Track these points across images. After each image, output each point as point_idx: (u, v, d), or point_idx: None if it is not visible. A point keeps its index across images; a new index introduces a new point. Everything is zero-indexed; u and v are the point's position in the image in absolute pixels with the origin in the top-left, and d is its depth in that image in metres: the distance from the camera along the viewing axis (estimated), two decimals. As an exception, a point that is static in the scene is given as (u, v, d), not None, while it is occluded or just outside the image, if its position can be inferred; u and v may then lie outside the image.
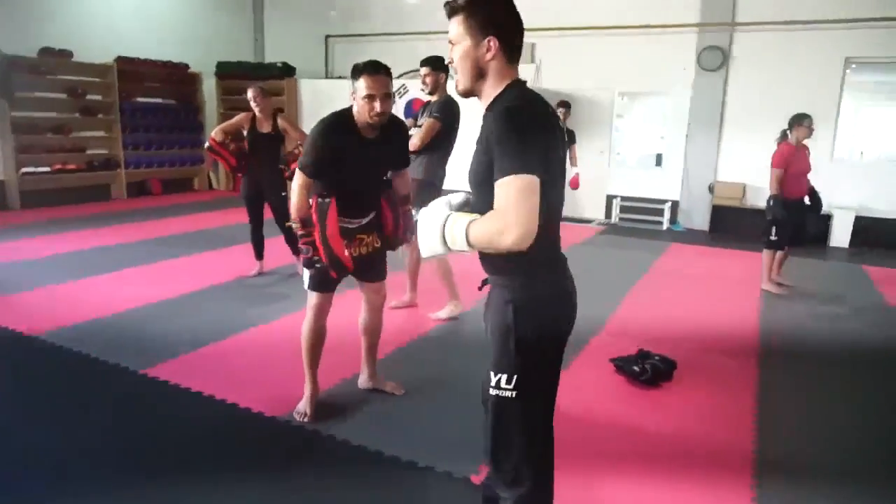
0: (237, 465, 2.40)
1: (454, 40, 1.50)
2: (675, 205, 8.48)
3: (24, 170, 7.75)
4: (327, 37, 10.45)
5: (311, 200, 2.53)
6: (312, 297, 2.68)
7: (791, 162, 4.87)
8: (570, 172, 6.89)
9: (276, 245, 5.04)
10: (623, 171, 9.09)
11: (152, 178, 9.40)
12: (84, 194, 8.32)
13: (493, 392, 1.52)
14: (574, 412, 2.83)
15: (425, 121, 3.86)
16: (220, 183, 10.38)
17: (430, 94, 3.93)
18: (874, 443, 2.79)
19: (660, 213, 8.46)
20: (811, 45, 7.43)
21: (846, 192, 7.50)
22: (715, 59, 7.85)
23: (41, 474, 2.29)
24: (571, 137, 6.99)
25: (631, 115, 9.97)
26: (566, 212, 8.62)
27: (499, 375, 1.51)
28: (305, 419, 2.69)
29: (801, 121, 4.91)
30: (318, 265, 2.56)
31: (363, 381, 3.03)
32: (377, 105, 2.40)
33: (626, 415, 2.89)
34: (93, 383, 3.06)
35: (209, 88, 9.98)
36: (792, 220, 4.99)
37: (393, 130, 2.62)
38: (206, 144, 4.50)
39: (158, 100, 9.42)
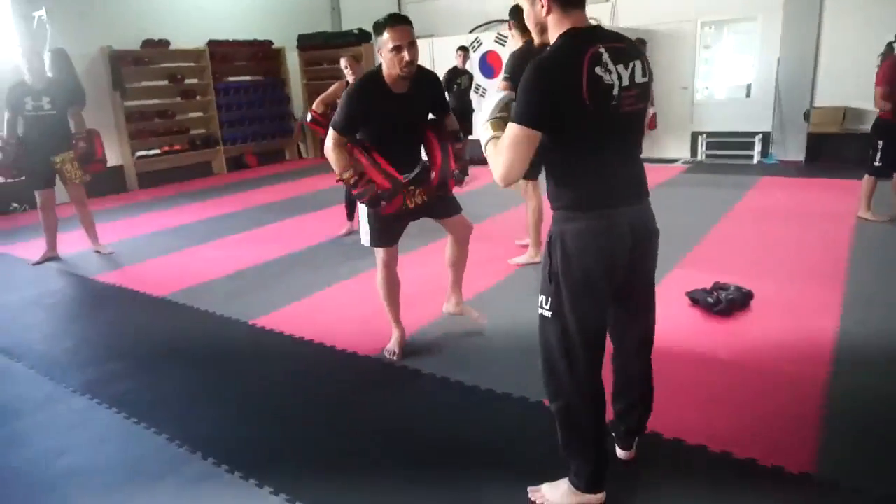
0: (331, 395, 2.74)
1: (521, 5, 1.71)
2: (766, 136, 8.05)
3: (138, 153, 8.56)
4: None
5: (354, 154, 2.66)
6: (378, 253, 2.89)
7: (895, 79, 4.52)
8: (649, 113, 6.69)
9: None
10: (709, 106, 8.70)
11: (247, 153, 10.07)
12: (189, 172, 9.09)
13: (539, 311, 1.72)
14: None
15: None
16: (310, 151, 10.93)
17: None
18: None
19: (750, 146, 8.07)
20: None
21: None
22: (808, -24, 7.27)
23: (176, 402, 2.73)
24: None
25: (718, 45, 9.43)
26: (650, 153, 8.39)
27: (541, 297, 1.73)
28: (394, 357, 2.96)
29: None
30: (380, 196, 2.62)
31: (450, 307, 3.22)
32: (405, 54, 2.44)
33: (699, 345, 2.96)
34: (211, 333, 3.51)
35: (292, 62, 10.43)
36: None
37: (424, 83, 2.68)
38: (309, 117, 4.72)
39: (247, 77, 9.99)
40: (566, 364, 1.72)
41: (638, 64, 1.65)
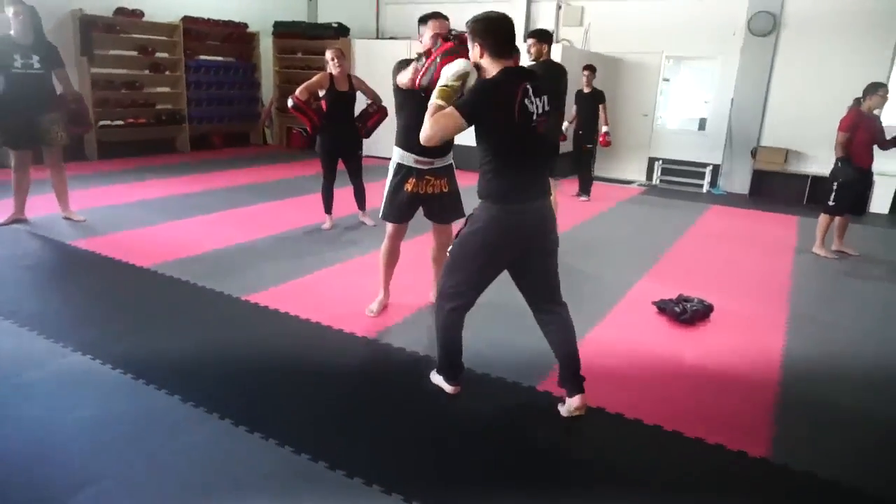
0: (316, 368, 2.89)
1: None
2: (716, 168, 8.67)
3: (101, 122, 8.33)
4: (378, -2, 10.71)
5: None
6: (388, 227, 3.31)
7: (858, 128, 5.02)
8: (601, 131, 7.06)
9: (343, 197, 5.50)
10: (667, 135, 9.27)
11: (213, 133, 9.94)
12: (152, 146, 8.91)
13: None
14: (620, 347, 3.24)
15: None
16: (274, 138, 10.88)
17: (535, 61, 4.53)
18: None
19: (701, 175, 8.66)
20: (864, 10, 7.44)
21: (889, 157, 7.57)
22: (766, 24, 7.91)
23: (168, 372, 2.81)
24: (598, 98, 7.04)
25: (677, 78, 10.06)
26: (609, 172, 8.82)
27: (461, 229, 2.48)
28: (372, 314, 3.44)
29: (875, 90, 5.03)
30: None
31: (433, 296, 3.46)
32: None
33: (666, 348, 3.29)
34: (201, 305, 3.58)
35: (266, 47, 10.38)
36: (854, 187, 5.16)
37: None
38: (290, 103, 4.84)
39: (219, 58, 9.88)
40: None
41: (546, 98, 2.29)
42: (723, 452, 2.35)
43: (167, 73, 9.11)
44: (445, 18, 2.99)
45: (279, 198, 6.47)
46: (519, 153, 2.30)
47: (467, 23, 2.33)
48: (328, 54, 4.95)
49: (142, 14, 8.52)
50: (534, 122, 2.24)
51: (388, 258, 3.44)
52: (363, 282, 3.90)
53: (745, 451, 2.35)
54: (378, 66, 9.83)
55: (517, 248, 2.40)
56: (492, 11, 2.31)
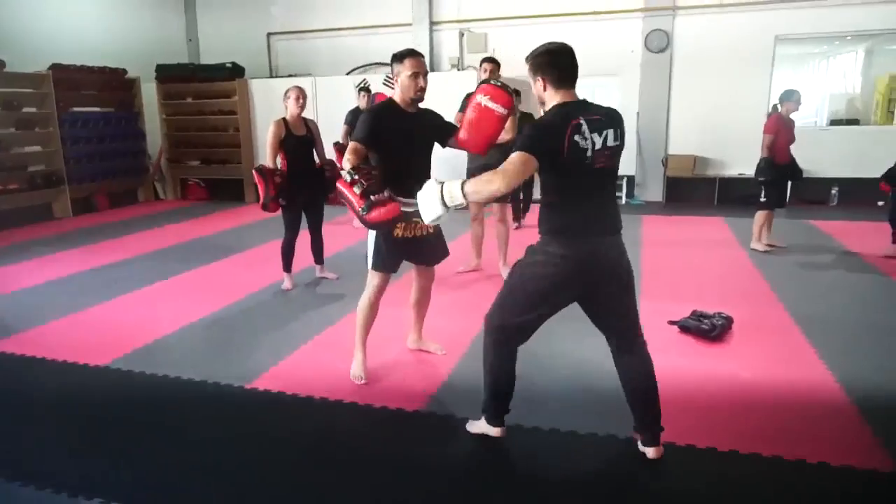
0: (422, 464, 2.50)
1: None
2: (630, 179, 9.06)
3: (-38, 194, 7.06)
4: (269, 34, 10.15)
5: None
6: (374, 277, 3.06)
7: (780, 130, 5.45)
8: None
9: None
10: (578, 152, 9.54)
11: (97, 192, 8.81)
12: (27, 215, 7.68)
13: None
14: (664, 374, 3.12)
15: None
16: (168, 192, 9.89)
17: None
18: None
19: (618, 188, 9.00)
20: (744, 25, 8.17)
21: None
22: (660, 42, 8.44)
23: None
24: (525, 119, 7.12)
25: (583, 97, 10.38)
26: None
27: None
28: (362, 381, 3.10)
29: (790, 96, 5.51)
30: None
31: (412, 341, 3.49)
32: (421, 80, 2.84)
33: (707, 368, 3.23)
34: (202, 403, 3.00)
35: (149, 94, 9.44)
36: (779, 183, 5.59)
37: (426, 111, 3.02)
38: (258, 166, 4.43)
39: (97, 109, 8.80)
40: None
41: (611, 132, 2.20)
42: (843, 472, 2.27)
43: (37, 129, 7.94)
44: (422, 56, 2.94)
45: (210, 260, 5.75)
46: (574, 189, 2.22)
47: (527, 58, 2.30)
48: (291, 93, 4.48)
49: (3, 64, 7.37)
50: (588, 158, 2.15)
51: (369, 313, 3.13)
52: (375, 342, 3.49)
53: (853, 467, 2.29)
54: (276, 107, 9.27)
55: (577, 283, 2.27)
56: (551, 43, 2.30)
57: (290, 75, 9.73)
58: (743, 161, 8.45)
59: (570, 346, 3.43)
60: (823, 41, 9.47)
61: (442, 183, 2.19)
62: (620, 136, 2.25)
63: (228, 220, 7.96)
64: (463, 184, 2.14)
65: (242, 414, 2.89)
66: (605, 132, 2.18)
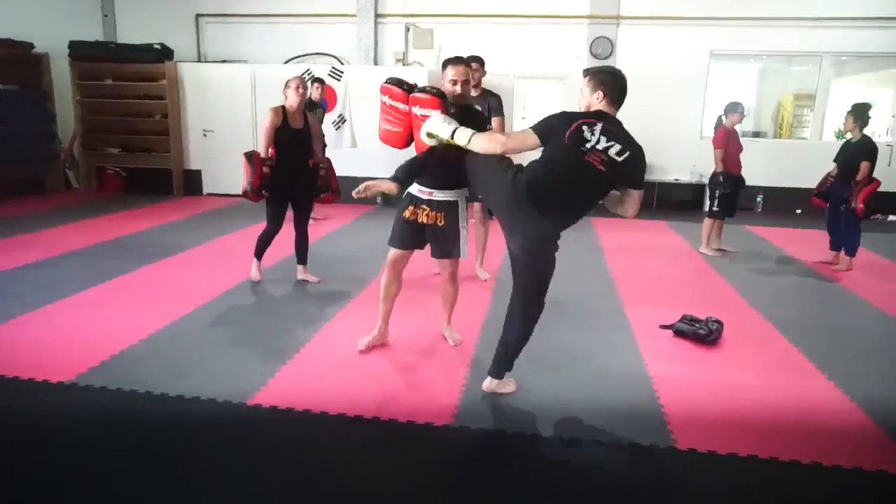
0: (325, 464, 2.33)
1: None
2: (572, 183, 9.22)
3: None
4: (198, 15, 9.44)
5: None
6: (389, 253, 3.23)
7: (729, 142, 5.67)
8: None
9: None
10: (517, 157, 9.60)
11: (-3, 181, 7.81)
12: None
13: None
14: (674, 382, 3.14)
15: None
16: (81, 181, 8.97)
17: (474, 87, 4.38)
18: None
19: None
20: (681, 38, 8.55)
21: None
22: (605, 49, 8.65)
23: None
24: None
25: (533, 100, 10.45)
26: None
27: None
28: (361, 348, 3.32)
29: (735, 108, 5.72)
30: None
31: (442, 327, 3.60)
32: (458, 88, 3.06)
33: (714, 374, 3.28)
34: (204, 422, 2.66)
35: (60, 72, 8.49)
36: (733, 196, 5.83)
37: (468, 108, 3.19)
38: (248, 151, 4.13)
39: (-1, 86, 7.80)
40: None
41: (618, 147, 2.47)
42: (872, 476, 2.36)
43: (-74, 107, 6.93)
44: (467, 64, 3.14)
45: (152, 259, 5.19)
46: (558, 163, 2.50)
47: (593, 69, 2.66)
48: (291, 83, 4.18)
49: None
50: (585, 149, 2.45)
51: (386, 290, 3.32)
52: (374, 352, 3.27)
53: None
54: (209, 94, 8.67)
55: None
56: (616, 69, 2.71)
57: (223, 61, 9.13)
58: (678, 168, 8.89)
59: (568, 345, 3.36)
60: (751, 57, 10.09)
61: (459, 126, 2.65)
62: (625, 158, 2.47)
63: (158, 214, 7.30)
64: (474, 134, 2.61)
65: (255, 435, 2.59)
66: (612, 143, 2.47)
